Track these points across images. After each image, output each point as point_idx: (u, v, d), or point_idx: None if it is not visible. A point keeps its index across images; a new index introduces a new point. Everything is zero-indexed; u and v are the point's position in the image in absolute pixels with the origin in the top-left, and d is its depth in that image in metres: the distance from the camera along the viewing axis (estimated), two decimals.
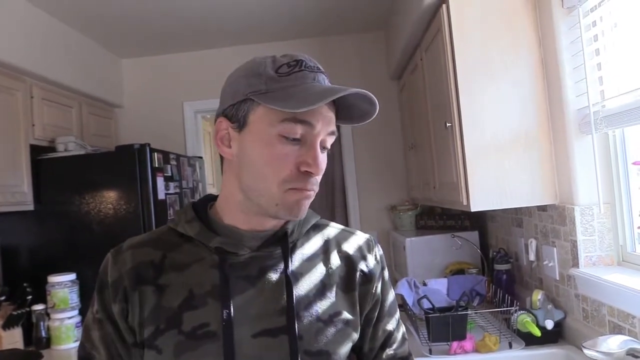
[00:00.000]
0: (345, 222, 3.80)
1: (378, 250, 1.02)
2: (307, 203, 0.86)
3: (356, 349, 0.99)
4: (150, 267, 0.90)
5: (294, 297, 0.87)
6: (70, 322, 2.49)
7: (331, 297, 0.92)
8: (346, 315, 0.92)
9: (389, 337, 1.01)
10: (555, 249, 1.98)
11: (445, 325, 1.86)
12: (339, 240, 0.99)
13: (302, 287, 0.90)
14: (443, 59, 2.10)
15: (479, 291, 2.24)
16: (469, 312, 1.95)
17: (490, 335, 1.87)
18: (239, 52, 3.65)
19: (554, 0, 1.88)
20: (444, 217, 3.10)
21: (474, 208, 1.98)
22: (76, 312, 2.53)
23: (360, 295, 0.95)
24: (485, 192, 1.98)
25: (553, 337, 1.89)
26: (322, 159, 0.85)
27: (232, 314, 0.84)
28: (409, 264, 2.80)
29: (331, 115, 0.85)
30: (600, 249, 1.80)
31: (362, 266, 0.97)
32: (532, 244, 2.16)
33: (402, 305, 2.21)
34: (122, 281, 0.89)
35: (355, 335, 0.94)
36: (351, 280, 0.95)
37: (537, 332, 1.83)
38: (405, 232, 3.15)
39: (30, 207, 2.59)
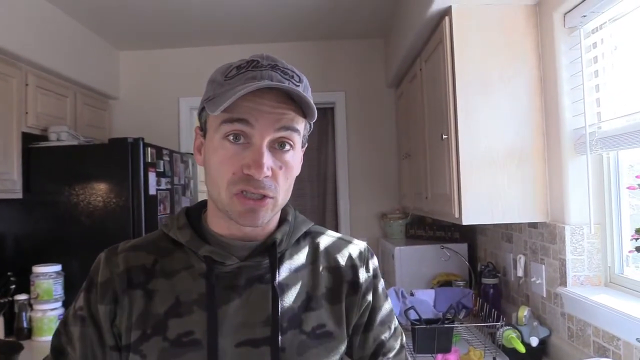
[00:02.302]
0: (335, 226, 3.80)
1: (371, 261, 0.99)
2: (263, 212, 0.83)
3: (347, 356, 0.98)
4: (141, 271, 0.89)
5: (279, 308, 0.86)
6: (53, 314, 2.47)
7: (316, 309, 0.90)
8: (331, 327, 0.90)
9: (381, 346, 0.98)
10: (543, 266, 1.99)
11: (431, 337, 1.86)
12: (330, 250, 0.97)
13: (288, 299, 0.89)
14: (443, 71, 2.10)
15: (466, 304, 2.25)
16: (455, 325, 1.95)
17: (475, 349, 1.87)
18: (237, 51, 3.64)
19: (556, 20, 1.89)
20: (434, 227, 3.11)
21: (465, 221, 1.99)
22: (59, 304, 2.51)
23: (347, 307, 0.93)
24: (477, 206, 1.99)
25: (537, 354, 1.90)
26: (270, 160, 0.81)
27: (217, 323, 0.84)
28: (397, 272, 2.80)
29: (281, 112, 0.81)
30: (589, 269, 1.81)
31: (350, 277, 0.95)
32: (521, 260, 2.17)
33: None
34: (112, 283, 0.88)
35: (342, 347, 0.92)
36: (338, 292, 0.93)
37: (522, 349, 1.84)
38: (394, 241, 3.15)
39: (19, 196, 2.56)
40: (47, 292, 2.46)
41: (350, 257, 0.97)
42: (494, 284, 2.36)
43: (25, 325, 2.46)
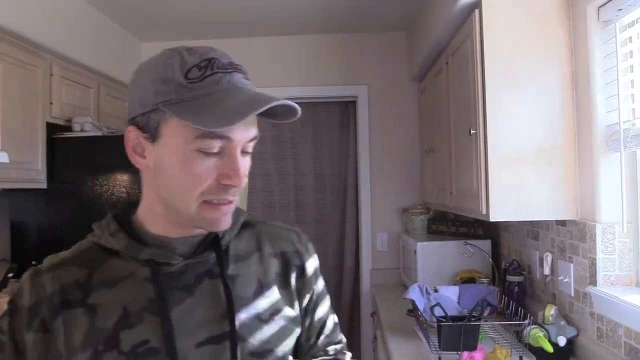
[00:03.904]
0: (355, 221, 3.78)
1: (307, 241, 1.03)
2: (229, 215, 0.84)
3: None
4: (76, 287, 0.84)
5: (233, 300, 0.86)
6: None
7: (270, 295, 0.92)
8: (287, 311, 0.93)
9: (323, 325, 1.03)
10: (572, 264, 1.95)
11: (457, 334, 1.84)
12: (271, 236, 0.99)
13: (240, 289, 0.89)
14: (471, 65, 2.07)
15: (490, 302, 2.21)
16: (482, 322, 1.93)
17: (501, 347, 1.84)
18: (259, 43, 3.63)
19: (590, 13, 1.84)
20: (457, 223, 3.07)
21: (493, 218, 1.96)
22: None
23: (298, 289, 0.97)
24: (505, 203, 1.96)
25: (564, 354, 1.87)
26: (244, 167, 0.81)
27: (172, 327, 0.82)
28: (419, 268, 2.77)
29: (251, 120, 0.81)
30: (620, 269, 1.77)
31: (296, 260, 0.98)
32: (548, 257, 2.13)
33: (414, 310, 2.19)
34: (40, 308, 0.83)
35: (298, 330, 0.96)
36: (287, 276, 0.96)
37: (550, 348, 1.81)
38: (416, 236, 3.13)
39: (43, 185, 2.57)
40: None
41: (293, 243, 1.00)
42: (519, 282, 2.33)
43: None
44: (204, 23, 3.37)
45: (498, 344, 1.93)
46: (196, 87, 0.77)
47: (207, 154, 0.78)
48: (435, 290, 2.23)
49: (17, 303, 0.85)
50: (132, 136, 0.83)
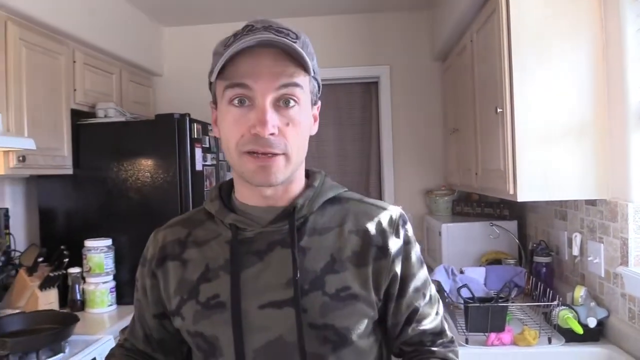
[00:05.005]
0: None
1: (402, 227, 0.96)
2: (275, 168, 0.85)
3: (382, 324, 0.98)
4: (176, 244, 0.99)
5: (300, 271, 0.88)
6: (105, 287, 2.52)
7: (340, 271, 0.90)
8: (356, 290, 0.90)
9: (414, 312, 0.97)
10: (602, 245, 1.91)
11: (484, 315, 1.82)
12: (359, 215, 0.96)
13: (309, 261, 0.90)
14: (497, 41, 2.01)
15: (518, 283, 2.19)
16: (510, 304, 1.90)
17: (529, 329, 1.82)
18: None
19: None
20: (482, 204, 3.03)
21: (520, 198, 1.92)
22: (111, 277, 2.56)
23: (375, 271, 0.92)
24: (533, 182, 1.91)
25: (594, 335, 1.84)
26: (273, 118, 0.83)
27: (239, 287, 0.89)
28: (444, 250, 2.75)
29: (279, 70, 0.84)
30: None
31: (379, 241, 0.93)
32: (577, 238, 2.09)
33: (439, 292, 2.18)
34: (153, 259, 1.00)
35: (370, 312, 0.91)
36: (365, 255, 0.92)
37: (579, 329, 1.78)
38: (440, 217, 3.10)
39: (69, 171, 2.60)
40: (99, 265, 2.51)
41: (379, 222, 0.95)
42: (547, 263, 2.29)
43: (78, 297, 2.53)
44: (225, 6, 3.34)
45: (526, 325, 1.91)
46: (224, 51, 0.84)
47: (235, 105, 0.84)
48: (461, 272, 2.21)
49: (145, 255, 1.02)
50: (213, 109, 0.93)
